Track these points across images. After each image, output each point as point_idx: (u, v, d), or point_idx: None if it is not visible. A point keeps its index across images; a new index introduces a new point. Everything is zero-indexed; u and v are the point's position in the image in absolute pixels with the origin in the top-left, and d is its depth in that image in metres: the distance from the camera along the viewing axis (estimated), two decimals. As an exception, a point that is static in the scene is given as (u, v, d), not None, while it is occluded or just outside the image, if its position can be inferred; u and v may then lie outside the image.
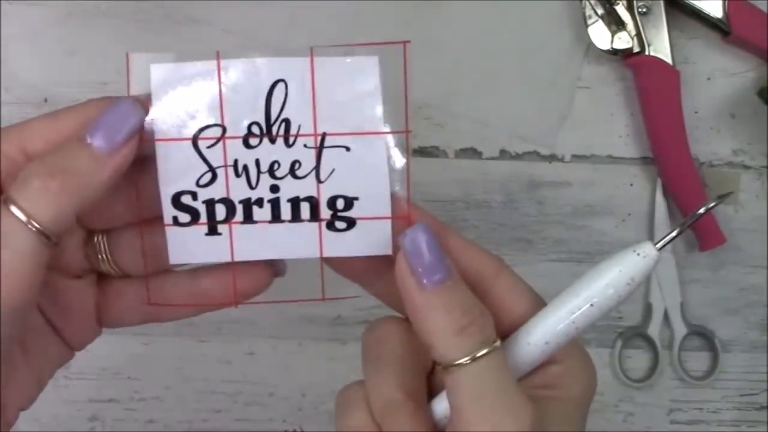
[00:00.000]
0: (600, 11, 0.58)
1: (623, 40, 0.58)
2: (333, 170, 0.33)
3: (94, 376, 0.60)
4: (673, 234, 0.32)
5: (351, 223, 0.34)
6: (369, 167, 0.34)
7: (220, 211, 0.33)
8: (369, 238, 0.34)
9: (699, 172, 0.60)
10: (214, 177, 0.33)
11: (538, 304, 0.33)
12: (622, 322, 0.61)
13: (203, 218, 0.33)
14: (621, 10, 0.58)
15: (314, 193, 0.34)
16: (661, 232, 0.60)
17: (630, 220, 0.61)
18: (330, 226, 0.34)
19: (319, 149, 0.33)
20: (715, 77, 0.61)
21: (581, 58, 0.60)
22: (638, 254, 0.31)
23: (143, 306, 0.34)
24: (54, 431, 0.60)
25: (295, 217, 0.34)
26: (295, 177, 0.33)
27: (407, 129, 0.33)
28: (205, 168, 0.33)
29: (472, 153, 0.60)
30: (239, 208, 0.33)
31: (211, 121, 0.33)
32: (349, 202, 0.34)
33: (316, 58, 0.34)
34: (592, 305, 0.30)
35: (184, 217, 0.33)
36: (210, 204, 0.33)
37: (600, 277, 0.31)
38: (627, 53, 0.58)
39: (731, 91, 0.60)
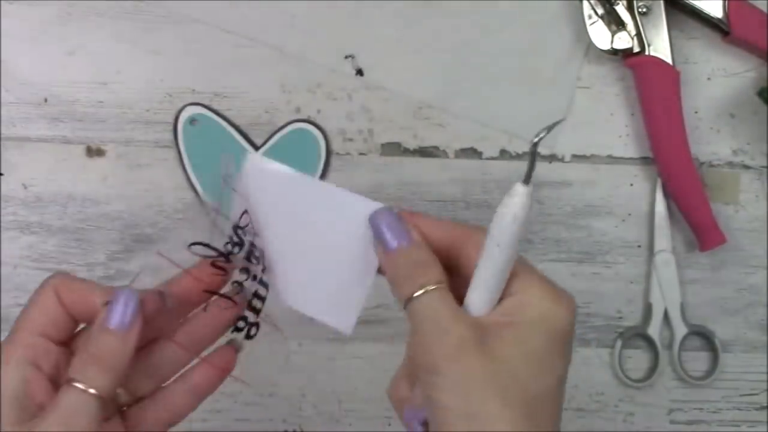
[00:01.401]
0: (600, 11, 0.58)
1: (623, 40, 0.58)
2: None
3: (94, 376, 0.60)
4: (530, 165, 0.36)
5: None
6: None
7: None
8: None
9: (699, 172, 0.60)
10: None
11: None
12: (622, 322, 0.61)
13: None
14: (621, 10, 0.58)
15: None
16: (661, 232, 0.60)
17: (630, 220, 0.61)
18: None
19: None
20: (715, 77, 0.61)
21: (581, 58, 0.60)
22: (511, 196, 0.36)
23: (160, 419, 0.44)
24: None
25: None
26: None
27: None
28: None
29: (472, 153, 0.60)
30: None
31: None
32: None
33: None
34: (498, 245, 0.36)
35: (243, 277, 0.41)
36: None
37: (493, 225, 0.36)
38: (627, 53, 0.58)
39: (731, 91, 0.60)
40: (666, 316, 0.60)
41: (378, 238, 0.38)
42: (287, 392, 0.61)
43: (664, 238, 0.60)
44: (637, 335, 0.60)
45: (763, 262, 0.61)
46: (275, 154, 0.59)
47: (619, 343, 0.60)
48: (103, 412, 0.37)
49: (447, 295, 0.36)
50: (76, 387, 0.36)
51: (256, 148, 0.59)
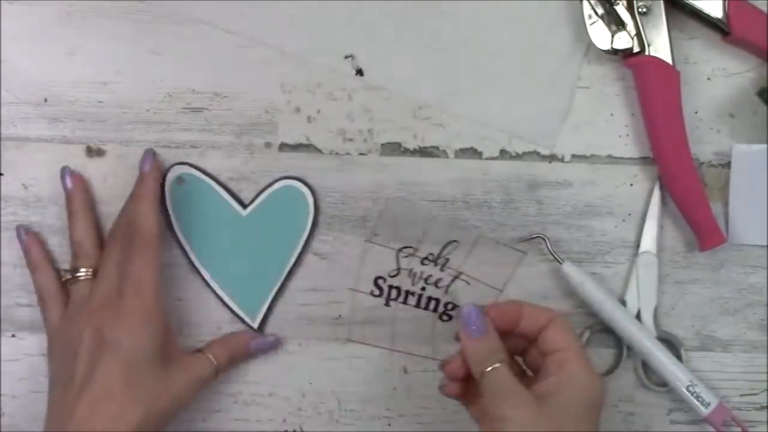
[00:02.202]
0: (600, 11, 0.58)
1: (623, 40, 0.58)
2: (455, 289, 0.60)
3: (94, 376, 0.60)
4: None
5: (450, 318, 0.60)
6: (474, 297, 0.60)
7: (394, 293, 0.60)
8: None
9: (699, 172, 0.60)
10: (398, 273, 0.60)
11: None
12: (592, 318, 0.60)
13: (385, 294, 0.60)
14: (621, 10, 0.58)
15: (440, 297, 0.60)
16: (649, 233, 0.60)
17: (630, 220, 0.61)
18: (440, 317, 0.60)
19: (454, 278, 0.60)
20: (715, 77, 0.61)
21: (581, 58, 0.60)
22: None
23: None
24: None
25: (426, 307, 0.60)
26: (436, 286, 0.60)
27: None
28: (395, 267, 0.60)
29: (472, 153, 0.60)
30: (403, 294, 0.60)
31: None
32: (454, 307, 0.60)
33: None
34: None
35: (376, 291, 0.60)
36: (390, 288, 0.60)
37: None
38: (627, 53, 0.58)
39: (731, 91, 0.60)
40: (639, 318, 0.60)
41: (463, 327, 0.51)
42: (287, 392, 0.61)
43: (650, 240, 0.60)
44: (606, 330, 0.60)
45: (763, 262, 0.61)
46: (263, 211, 0.59)
47: (587, 334, 0.60)
48: (213, 379, 0.57)
49: (509, 370, 0.50)
50: (210, 359, 0.57)
51: (244, 206, 0.59)
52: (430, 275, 0.60)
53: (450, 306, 0.60)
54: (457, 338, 0.53)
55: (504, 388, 0.50)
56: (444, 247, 0.59)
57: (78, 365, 0.52)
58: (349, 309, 0.60)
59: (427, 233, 0.59)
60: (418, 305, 0.60)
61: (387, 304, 0.60)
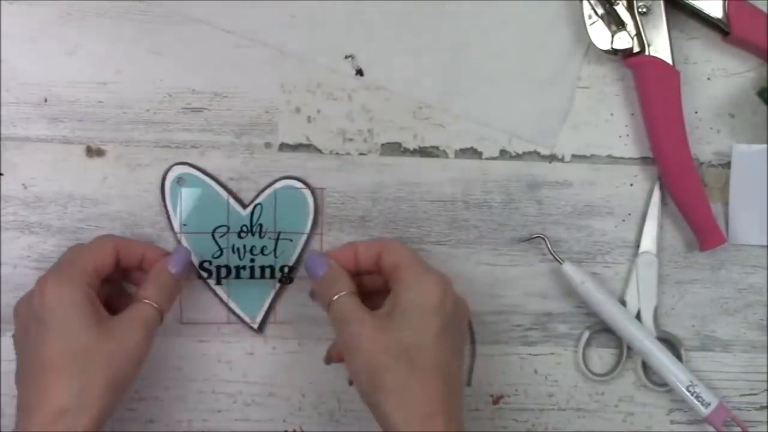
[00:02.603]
0: (600, 11, 0.58)
1: (623, 40, 0.58)
2: (282, 251, 0.60)
3: (94, 376, 0.60)
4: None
5: (290, 280, 0.60)
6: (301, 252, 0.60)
7: (224, 272, 0.60)
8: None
9: (699, 172, 0.60)
10: (221, 253, 0.59)
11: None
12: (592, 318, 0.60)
13: (214, 275, 0.60)
14: (621, 10, 0.58)
15: (273, 263, 0.60)
16: (649, 233, 0.60)
17: (630, 220, 0.61)
18: (280, 281, 0.60)
19: (276, 240, 0.59)
20: (715, 77, 0.61)
21: (581, 58, 0.60)
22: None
23: None
24: (54, 431, 0.60)
25: (262, 275, 0.60)
26: (263, 254, 0.59)
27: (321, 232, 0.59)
28: (216, 248, 0.59)
29: (472, 153, 0.60)
30: (233, 271, 0.60)
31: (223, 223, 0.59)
32: (291, 269, 0.60)
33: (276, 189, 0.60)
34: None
35: (204, 274, 0.60)
36: (218, 267, 0.60)
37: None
38: (627, 53, 0.58)
39: (731, 91, 0.60)
40: (638, 318, 0.60)
41: (309, 272, 0.55)
42: (287, 392, 0.61)
43: (650, 240, 0.60)
44: (606, 330, 0.60)
45: (763, 262, 0.61)
46: (263, 211, 0.59)
47: (586, 334, 0.60)
48: (158, 325, 0.54)
49: (353, 298, 0.53)
50: (147, 302, 0.54)
51: (244, 206, 0.59)
52: (254, 246, 0.59)
53: (286, 269, 0.59)
54: (328, 360, 0.57)
55: (346, 313, 0.52)
56: (252, 213, 0.59)
57: (25, 351, 0.53)
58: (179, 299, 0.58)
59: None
60: (252, 276, 0.59)
61: (218, 282, 0.59)
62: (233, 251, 0.59)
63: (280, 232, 0.59)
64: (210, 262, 0.59)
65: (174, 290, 0.56)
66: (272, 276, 0.60)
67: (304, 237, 0.60)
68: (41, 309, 0.51)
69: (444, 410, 0.49)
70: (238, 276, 0.59)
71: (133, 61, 0.60)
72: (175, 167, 0.59)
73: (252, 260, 0.59)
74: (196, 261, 0.59)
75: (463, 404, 0.52)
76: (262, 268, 0.59)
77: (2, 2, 0.59)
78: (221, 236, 0.59)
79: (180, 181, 0.59)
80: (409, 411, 0.49)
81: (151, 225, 0.60)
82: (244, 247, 0.59)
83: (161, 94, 0.60)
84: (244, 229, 0.59)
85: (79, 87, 0.60)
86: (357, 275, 0.55)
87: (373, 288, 0.56)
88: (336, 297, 0.52)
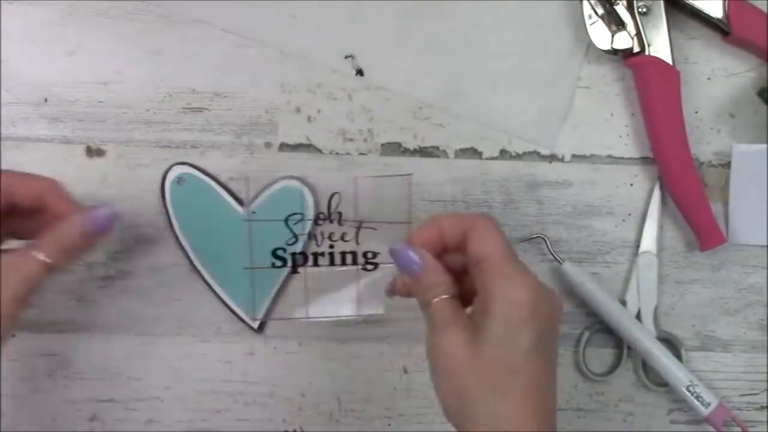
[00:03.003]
0: (600, 11, 0.58)
1: (623, 40, 0.58)
2: (364, 239, 0.57)
3: (94, 376, 0.60)
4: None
5: (375, 266, 0.57)
6: (387, 239, 0.56)
7: (300, 259, 0.58)
8: (385, 273, 0.56)
9: (699, 172, 0.60)
10: (296, 240, 0.58)
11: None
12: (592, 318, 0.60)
13: (289, 263, 0.58)
14: (621, 10, 0.58)
15: (354, 249, 0.57)
16: (649, 233, 0.60)
17: (630, 220, 0.61)
18: (364, 267, 0.57)
19: (358, 228, 0.57)
20: (715, 77, 0.61)
21: (581, 58, 0.60)
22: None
23: None
24: (54, 431, 0.60)
25: (343, 262, 0.58)
26: (344, 240, 0.57)
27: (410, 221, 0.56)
28: (291, 235, 0.58)
29: (472, 153, 0.60)
30: (310, 258, 0.58)
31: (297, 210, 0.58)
32: (374, 255, 0.57)
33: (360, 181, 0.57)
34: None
35: (278, 263, 0.58)
36: (293, 254, 0.58)
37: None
38: (627, 53, 0.58)
39: (731, 91, 0.60)
40: (638, 318, 0.60)
41: (402, 270, 0.49)
42: (287, 392, 0.61)
43: (650, 240, 0.60)
44: (606, 330, 0.60)
45: (763, 262, 0.61)
46: (263, 211, 0.59)
47: (587, 334, 0.60)
48: (44, 276, 0.49)
49: (452, 302, 0.48)
50: (38, 258, 0.49)
51: (244, 206, 0.59)
52: (332, 232, 0.58)
53: (370, 255, 0.57)
54: (391, 293, 0.52)
55: (441, 318, 0.47)
56: (330, 202, 0.58)
57: None
58: (251, 290, 0.59)
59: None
60: (332, 263, 0.58)
61: (294, 271, 0.58)
62: (310, 237, 0.58)
63: (362, 221, 0.57)
64: (284, 250, 0.58)
65: (76, 250, 0.51)
66: (354, 262, 0.58)
67: (396, 226, 0.56)
68: None
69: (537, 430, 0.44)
70: (316, 263, 0.58)
71: (133, 61, 0.60)
72: (175, 167, 0.59)
73: (332, 246, 0.58)
74: (262, 247, 0.57)
75: (555, 414, 0.47)
76: (343, 254, 0.58)
77: (2, 2, 0.59)
78: (295, 223, 0.58)
79: (180, 181, 0.59)
80: None
81: (151, 225, 0.60)
82: (323, 234, 0.58)
83: (161, 94, 0.60)
84: (321, 216, 0.58)
85: (79, 87, 0.60)
86: (442, 254, 0.50)
87: (456, 268, 0.50)
88: (436, 300, 0.48)
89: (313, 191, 0.60)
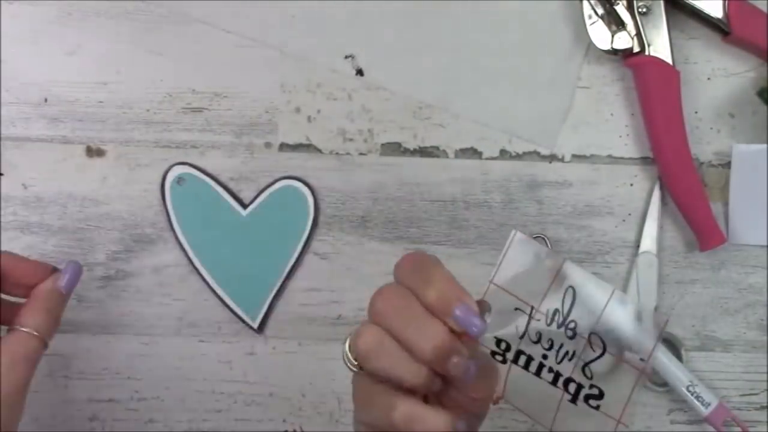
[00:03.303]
0: (600, 11, 0.58)
1: (623, 40, 0.58)
2: (596, 371, 0.51)
3: (94, 376, 0.60)
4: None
5: (596, 407, 0.53)
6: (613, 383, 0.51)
7: (513, 356, 0.54)
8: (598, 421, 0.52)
9: (699, 172, 0.60)
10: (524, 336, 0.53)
11: None
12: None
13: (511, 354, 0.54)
14: (621, 10, 0.58)
15: (575, 377, 0.52)
16: (649, 233, 0.60)
17: (630, 220, 0.61)
18: (586, 401, 0.52)
19: (587, 342, 0.51)
20: (715, 77, 0.61)
21: (581, 58, 0.60)
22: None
23: None
24: (54, 431, 0.60)
25: (554, 384, 0.53)
26: (569, 360, 0.52)
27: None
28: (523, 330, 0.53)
29: (472, 153, 0.60)
30: (522, 358, 0.53)
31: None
32: (598, 395, 0.52)
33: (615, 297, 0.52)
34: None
35: (499, 350, 0.54)
36: (518, 353, 0.54)
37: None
38: (627, 53, 0.58)
39: (731, 91, 0.60)
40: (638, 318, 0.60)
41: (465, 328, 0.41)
42: (287, 392, 0.61)
43: (650, 240, 0.60)
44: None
45: (763, 262, 0.61)
46: (263, 211, 0.59)
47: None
48: (42, 352, 0.48)
49: None
50: (31, 334, 0.47)
51: (244, 206, 0.59)
52: (561, 344, 0.52)
53: (596, 391, 0.51)
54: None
55: None
56: (564, 300, 0.52)
57: None
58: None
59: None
60: (537, 373, 0.53)
61: (504, 362, 0.54)
62: (533, 339, 0.54)
63: (605, 348, 0.51)
64: (507, 343, 0.54)
65: (60, 313, 0.50)
66: (554, 383, 0.54)
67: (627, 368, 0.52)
68: None
69: None
70: (526, 367, 0.54)
71: (133, 61, 0.60)
72: (175, 167, 0.59)
73: (544, 356, 0.54)
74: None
75: None
76: (558, 376, 0.53)
77: (2, 2, 0.59)
78: (534, 319, 0.53)
79: (180, 181, 0.59)
80: None
81: (151, 225, 0.60)
82: (542, 337, 0.54)
83: (161, 94, 0.60)
84: (558, 317, 0.53)
85: (79, 87, 0.60)
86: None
87: None
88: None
89: (313, 191, 0.60)
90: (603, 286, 0.53)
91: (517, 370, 0.53)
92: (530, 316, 0.51)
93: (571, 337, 0.51)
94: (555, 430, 0.51)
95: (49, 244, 0.60)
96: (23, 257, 0.50)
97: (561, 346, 0.51)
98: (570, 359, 0.51)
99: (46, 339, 0.48)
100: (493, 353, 0.53)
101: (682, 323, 0.61)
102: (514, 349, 0.52)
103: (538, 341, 0.51)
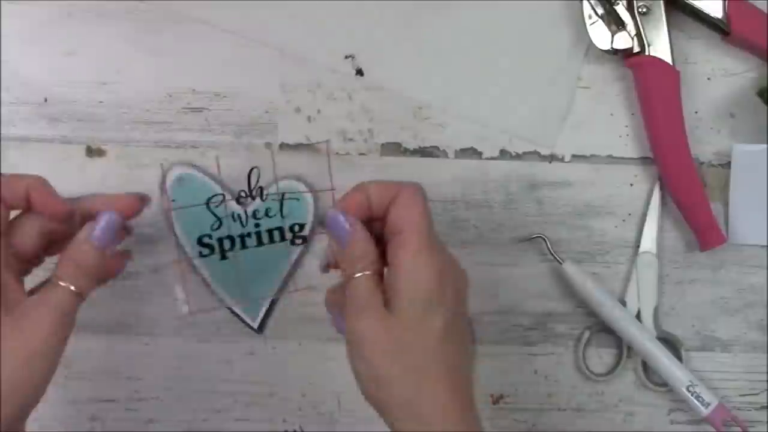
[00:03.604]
0: (600, 11, 0.58)
1: (623, 40, 0.58)
2: (290, 211, 0.55)
3: (94, 376, 0.60)
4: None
5: (303, 239, 0.57)
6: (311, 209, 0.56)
7: (227, 244, 0.56)
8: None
9: (699, 172, 0.60)
10: (221, 223, 0.55)
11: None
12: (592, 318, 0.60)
13: (217, 250, 0.56)
14: (621, 10, 0.58)
15: (281, 224, 0.56)
16: (649, 233, 0.60)
17: (630, 220, 0.61)
18: (292, 242, 0.56)
19: (281, 201, 0.55)
20: (715, 77, 0.61)
21: (581, 58, 0.60)
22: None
23: None
24: (54, 431, 0.60)
25: (271, 240, 0.56)
26: (269, 216, 0.55)
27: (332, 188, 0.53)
28: (214, 219, 0.55)
29: (472, 153, 0.60)
30: (238, 240, 0.55)
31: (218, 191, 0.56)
32: (301, 227, 0.56)
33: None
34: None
35: (205, 251, 0.56)
36: (220, 239, 0.55)
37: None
38: (627, 53, 0.58)
39: (731, 91, 0.60)
40: (638, 318, 0.60)
41: (332, 236, 0.48)
42: (287, 392, 0.61)
43: (649, 240, 0.60)
44: (606, 330, 0.60)
45: (763, 262, 0.61)
46: (263, 211, 0.59)
47: (587, 334, 0.60)
48: (77, 307, 0.47)
49: (372, 279, 0.47)
50: (62, 285, 0.47)
51: (244, 206, 0.59)
52: (257, 210, 0.56)
53: (297, 228, 0.56)
54: (325, 268, 0.51)
55: (358, 298, 0.46)
56: (249, 177, 0.54)
57: None
58: (183, 283, 0.58)
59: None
60: (260, 243, 0.55)
61: (223, 257, 0.56)
62: (234, 219, 0.55)
63: (284, 193, 0.55)
64: (210, 236, 0.55)
65: (97, 265, 0.48)
66: (282, 238, 0.56)
67: (318, 195, 0.56)
68: None
69: (456, 414, 0.45)
70: (244, 245, 0.56)
71: (133, 61, 0.60)
72: (175, 167, 0.59)
73: (257, 225, 0.55)
74: (189, 237, 0.55)
75: (474, 395, 0.48)
76: (270, 231, 0.56)
77: (2, 2, 0.59)
78: (217, 206, 0.54)
79: (180, 181, 0.59)
80: (422, 425, 0.45)
81: (151, 225, 0.60)
82: (246, 213, 0.56)
83: (161, 94, 0.60)
84: (243, 194, 0.54)
85: (79, 87, 0.60)
86: (369, 222, 0.49)
87: (379, 237, 0.50)
88: (358, 276, 0.47)
89: (313, 192, 0.60)
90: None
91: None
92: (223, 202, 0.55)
93: (264, 200, 0.54)
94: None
95: (49, 244, 0.60)
96: (52, 191, 0.49)
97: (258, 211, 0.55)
98: (270, 216, 0.55)
99: (79, 291, 0.47)
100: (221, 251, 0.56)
101: (682, 323, 0.61)
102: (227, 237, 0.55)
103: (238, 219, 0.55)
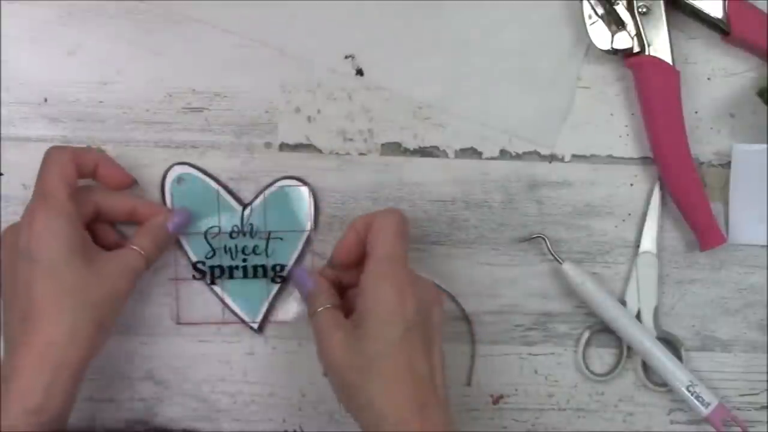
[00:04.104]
0: (600, 11, 0.58)
1: (623, 40, 0.58)
2: (273, 250, 0.60)
3: (94, 376, 0.60)
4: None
5: (283, 278, 0.60)
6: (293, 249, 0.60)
7: (217, 272, 0.60)
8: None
9: (699, 172, 0.60)
10: (214, 254, 0.60)
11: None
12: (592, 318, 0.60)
13: (208, 276, 0.60)
14: (621, 10, 0.58)
15: (265, 263, 0.60)
16: (649, 233, 0.60)
17: (630, 220, 0.61)
18: (273, 280, 0.60)
19: (267, 240, 0.60)
20: (715, 77, 0.61)
21: (581, 58, 0.60)
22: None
23: None
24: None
25: (255, 275, 0.60)
26: (255, 254, 0.60)
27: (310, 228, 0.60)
28: (209, 249, 0.60)
29: (472, 153, 0.60)
30: (227, 271, 0.60)
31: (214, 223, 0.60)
32: (282, 268, 0.60)
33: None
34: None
35: (198, 275, 0.60)
36: (212, 267, 0.60)
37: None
38: (627, 53, 0.58)
39: (731, 91, 0.60)
40: (638, 318, 0.60)
41: (297, 288, 0.58)
42: (287, 392, 0.61)
43: (649, 240, 0.60)
44: (606, 330, 0.60)
45: (763, 262, 0.61)
46: (263, 211, 0.59)
47: (586, 334, 0.60)
48: (143, 272, 0.56)
49: (334, 311, 0.53)
50: (136, 249, 0.55)
51: (244, 206, 0.59)
52: (246, 245, 0.60)
53: (278, 268, 0.60)
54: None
55: (323, 327, 0.52)
56: (243, 215, 0.59)
57: (12, 287, 0.52)
58: (174, 298, 0.60)
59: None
60: (245, 276, 0.60)
61: (212, 282, 0.60)
62: (225, 251, 0.59)
63: (270, 232, 0.59)
64: (203, 263, 0.59)
65: (166, 245, 0.58)
66: (265, 275, 0.60)
67: (298, 235, 0.60)
68: (30, 245, 0.51)
69: (416, 413, 0.49)
70: (231, 276, 0.60)
71: (133, 61, 0.60)
72: (175, 167, 0.59)
73: (244, 260, 0.59)
74: (191, 259, 0.60)
75: (444, 398, 0.51)
76: (255, 267, 0.59)
77: (2, 2, 0.59)
78: (213, 237, 0.59)
79: (180, 181, 0.59)
80: (383, 425, 0.49)
81: (151, 225, 0.60)
82: (236, 247, 0.59)
83: (161, 94, 0.60)
84: (236, 229, 0.59)
85: (79, 87, 0.60)
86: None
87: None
88: (319, 309, 0.53)
89: (313, 191, 0.60)
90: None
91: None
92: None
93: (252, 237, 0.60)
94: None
95: (49, 244, 0.60)
96: (117, 164, 0.58)
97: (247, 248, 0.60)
98: (257, 253, 0.60)
99: (149, 259, 0.56)
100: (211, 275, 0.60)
101: (682, 323, 0.61)
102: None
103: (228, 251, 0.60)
